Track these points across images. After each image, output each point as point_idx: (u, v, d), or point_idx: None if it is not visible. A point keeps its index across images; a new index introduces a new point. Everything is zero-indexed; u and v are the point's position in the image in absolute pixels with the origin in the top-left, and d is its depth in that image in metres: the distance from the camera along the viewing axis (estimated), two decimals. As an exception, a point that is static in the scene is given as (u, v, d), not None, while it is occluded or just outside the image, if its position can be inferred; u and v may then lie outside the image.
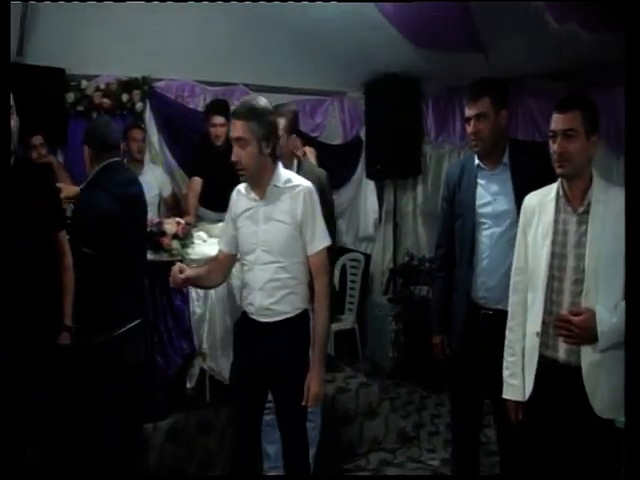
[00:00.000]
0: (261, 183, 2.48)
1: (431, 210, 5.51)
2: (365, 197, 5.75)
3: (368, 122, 5.61)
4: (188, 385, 3.58)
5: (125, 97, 4.77)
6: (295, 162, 3.21)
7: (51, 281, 2.57)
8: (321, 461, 3.35)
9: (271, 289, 2.48)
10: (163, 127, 4.95)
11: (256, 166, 2.44)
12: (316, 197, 2.53)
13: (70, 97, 4.53)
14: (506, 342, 2.34)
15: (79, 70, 4.55)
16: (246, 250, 2.53)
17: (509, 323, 2.34)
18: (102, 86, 4.69)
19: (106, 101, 4.67)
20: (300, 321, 2.53)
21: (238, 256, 2.64)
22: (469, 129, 2.70)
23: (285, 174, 2.54)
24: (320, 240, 2.50)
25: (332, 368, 4.10)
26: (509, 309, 2.35)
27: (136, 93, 4.81)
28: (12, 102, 2.47)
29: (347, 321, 4.90)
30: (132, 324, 2.92)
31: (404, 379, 4.77)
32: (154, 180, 4.63)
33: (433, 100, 5.60)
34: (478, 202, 2.75)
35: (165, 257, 3.47)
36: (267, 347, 2.50)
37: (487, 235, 2.73)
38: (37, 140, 4.11)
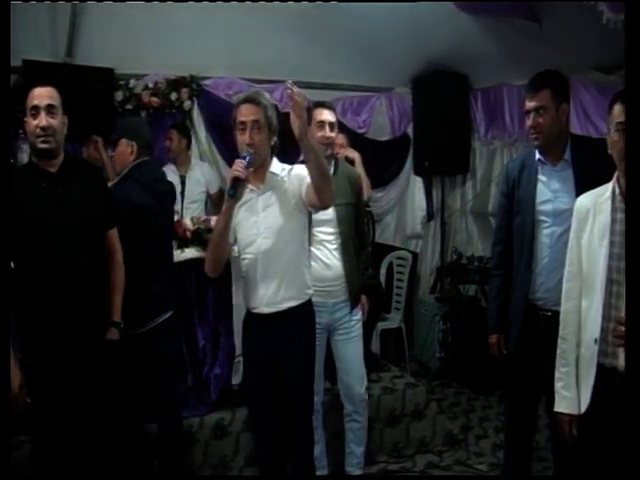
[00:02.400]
0: (262, 171, 2.53)
1: (480, 208, 5.41)
2: (413, 194, 5.69)
3: (416, 118, 5.53)
4: (234, 382, 3.61)
5: (174, 95, 4.82)
6: (332, 162, 3.19)
7: (103, 278, 2.62)
8: (366, 461, 3.35)
9: (275, 273, 2.51)
10: (211, 125, 4.98)
11: (266, 152, 2.52)
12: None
13: (119, 96, 4.60)
14: (559, 352, 2.22)
15: (128, 69, 4.62)
16: (247, 242, 2.55)
17: (562, 332, 2.22)
18: (150, 85, 4.75)
19: (154, 99, 4.73)
20: (305, 309, 2.59)
21: (235, 254, 2.64)
22: (528, 122, 2.65)
23: (280, 164, 2.60)
24: None
25: (378, 368, 4.07)
26: (561, 317, 2.24)
27: (184, 91, 4.86)
28: (59, 102, 2.52)
29: (394, 320, 4.85)
30: (165, 316, 2.95)
31: (451, 380, 4.69)
32: (201, 177, 4.70)
33: (482, 95, 5.47)
34: (538, 199, 2.68)
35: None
36: (275, 340, 2.53)
37: (547, 234, 2.65)
38: (98, 141, 4.22)
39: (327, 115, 3.13)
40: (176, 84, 4.85)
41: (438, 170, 5.49)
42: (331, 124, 3.13)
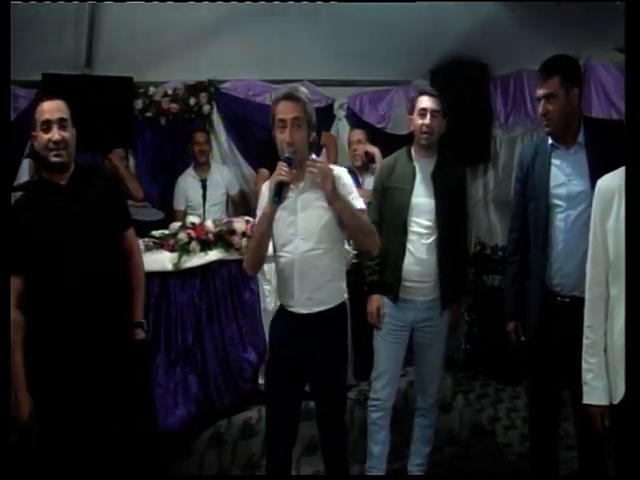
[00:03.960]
0: (300, 170, 2.43)
1: (503, 196, 5.32)
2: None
3: (436, 108, 5.48)
4: (260, 381, 3.65)
5: (192, 100, 4.89)
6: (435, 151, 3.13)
7: (122, 280, 2.63)
8: (394, 455, 3.37)
9: (312, 277, 2.46)
10: (231, 127, 5.04)
11: (305, 150, 2.46)
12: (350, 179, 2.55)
13: (138, 104, 4.69)
14: (587, 342, 2.15)
15: (146, 77, 4.70)
16: (283, 241, 2.50)
17: (588, 321, 2.15)
18: (169, 91, 4.83)
19: (174, 106, 4.81)
20: (339, 311, 2.55)
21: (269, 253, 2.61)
22: (539, 109, 2.66)
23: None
24: (357, 200, 2.50)
25: (404, 361, 4.07)
26: (587, 305, 2.17)
27: (203, 96, 4.92)
28: (69, 115, 2.51)
29: (419, 313, 4.82)
30: None
31: (478, 372, 4.67)
32: (221, 180, 4.76)
33: (502, 82, 5.40)
34: (552, 183, 2.67)
35: (235, 255, 3.54)
36: (308, 340, 2.48)
37: (562, 218, 2.64)
38: (119, 152, 4.31)
39: (427, 102, 3.05)
40: (194, 89, 4.92)
41: (459, 160, 5.42)
42: (434, 111, 3.03)
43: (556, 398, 2.75)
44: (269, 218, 2.40)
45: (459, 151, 5.19)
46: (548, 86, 2.59)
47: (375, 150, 4.37)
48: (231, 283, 3.57)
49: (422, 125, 3.03)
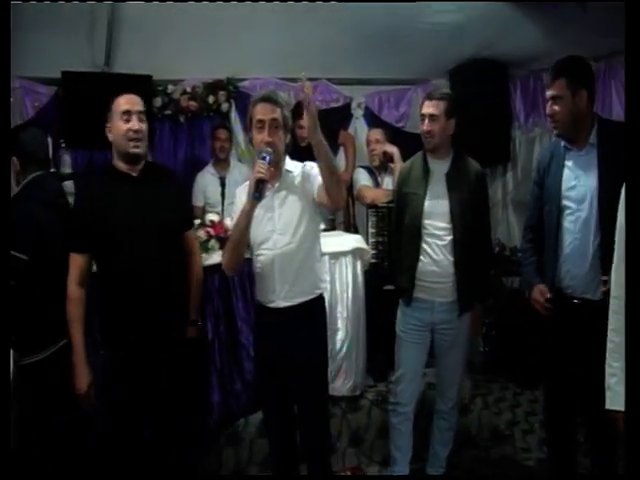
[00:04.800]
0: (277, 169, 2.54)
1: (522, 198, 5.28)
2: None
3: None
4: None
5: (211, 99, 4.90)
6: (451, 155, 3.12)
7: (182, 278, 2.71)
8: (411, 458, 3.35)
9: (291, 270, 2.53)
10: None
11: (282, 150, 2.55)
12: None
13: (157, 102, 4.70)
14: (610, 346, 2.07)
15: (165, 75, 4.70)
16: (262, 239, 2.57)
17: (613, 324, 2.07)
18: (188, 89, 4.84)
19: (192, 104, 4.81)
20: (318, 303, 2.63)
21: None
22: (547, 111, 2.70)
23: (293, 162, 2.64)
24: None
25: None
26: (611, 308, 2.08)
27: (222, 94, 4.93)
28: (143, 108, 2.62)
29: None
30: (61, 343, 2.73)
31: (497, 374, 4.63)
32: (239, 177, 4.73)
33: (521, 81, 5.36)
34: (565, 186, 2.67)
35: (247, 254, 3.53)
36: (289, 335, 2.54)
37: (572, 220, 2.64)
38: None
39: (426, 107, 3.05)
40: (213, 87, 4.93)
41: (478, 161, 5.38)
42: (431, 116, 3.01)
43: (573, 403, 2.72)
44: (249, 215, 2.46)
45: (478, 152, 5.19)
46: (554, 88, 2.63)
47: (394, 150, 4.35)
48: (250, 280, 3.56)
49: (422, 131, 3.06)
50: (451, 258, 2.99)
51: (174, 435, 2.68)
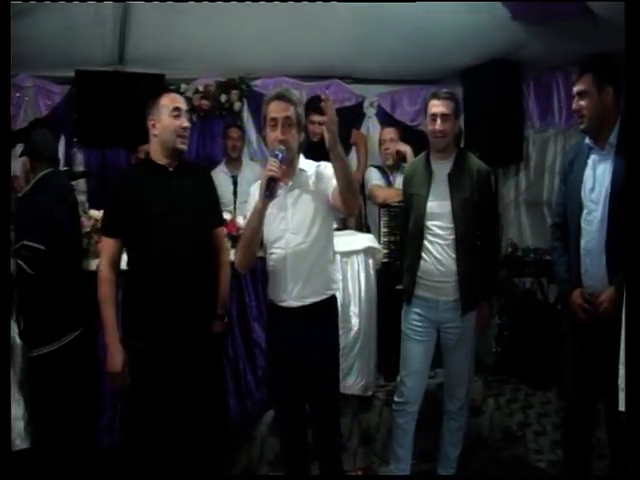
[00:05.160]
0: (290, 168, 2.53)
1: (535, 198, 5.27)
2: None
3: (467, 108, 5.41)
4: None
5: (223, 97, 4.92)
6: (453, 155, 3.13)
7: (211, 272, 2.75)
8: (422, 457, 3.34)
9: (303, 269, 2.52)
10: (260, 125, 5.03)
11: (295, 149, 2.54)
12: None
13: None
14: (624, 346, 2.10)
15: (178, 74, 4.71)
16: (275, 237, 2.56)
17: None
18: (201, 88, 4.85)
19: (205, 102, 4.82)
20: (330, 303, 2.62)
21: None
22: (573, 106, 2.72)
23: (307, 161, 2.63)
24: None
25: (433, 363, 4.03)
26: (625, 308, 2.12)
27: (234, 93, 4.94)
28: (186, 107, 2.71)
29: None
30: (73, 335, 2.91)
31: (508, 375, 4.61)
32: (252, 176, 4.73)
33: (534, 81, 5.33)
34: (586, 185, 2.68)
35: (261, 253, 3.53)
36: (301, 335, 2.53)
37: (589, 220, 2.65)
38: (147, 148, 4.30)
39: (438, 107, 3.05)
40: (226, 86, 4.94)
41: (491, 161, 5.35)
42: (443, 115, 3.03)
43: (590, 404, 2.72)
44: (261, 213, 2.45)
45: (491, 152, 5.18)
46: (581, 83, 2.66)
47: (407, 149, 4.34)
48: (263, 279, 3.56)
49: (434, 130, 3.04)
50: (454, 257, 3.00)
51: (197, 429, 2.71)
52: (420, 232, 3.03)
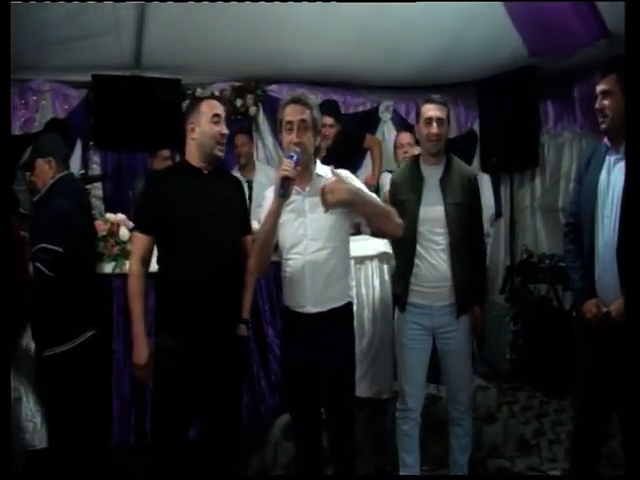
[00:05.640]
0: (307, 173, 2.53)
1: (550, 204, 5.24)
2: (480, 191, 5.54)
3: (482, 113, 5.42)
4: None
5: (239, 102, 4.94)
6: (443, 160, 3.11)
7: (238, 276, 2.75)
8: (436, 464, 3.31)
9: (322, 275, 2.53)
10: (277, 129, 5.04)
11: (311, 152, 2.53)
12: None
13: (186, 105, 4.71)
14: None
15: (194, 79, 4.74)
16: (293, 243, 2.56)
17: None
18: (216, 93, 4.85)
19: (220, 107, 4.82)
20: (347, 310, 2.62)
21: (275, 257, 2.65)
22: (596, 105, 2.71)
23: (325, 167, 2.59)
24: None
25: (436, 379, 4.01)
26: None
27: (249, 98, 4.96)
28: (221, 112, 2.69)
29: (462, 321, 4.74)
30: (87, 335, 2.94)
31: (523, 383, 4.58)
32: (266, 180, 4.74)
33: (550, 86, 5.30)
34: (600, 187, 2.66)
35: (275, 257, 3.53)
36: (318, 342, 2.53)
37: (605, 223, 2.62)
38: (165, 153, 4.35)
39: (434, 111, 3.04)
40: (241, 91, 4.96)
41: (506, 166, 5.37)
42: (439, 120, 3.02)
43: (602, 413, 2.70)
44: (275, 213, 2.45)
45: (506, 157, 5.17)
46: (605, 82, 2.65)
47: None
48: (276, 283, 3.56)
49: (429, 134, 3.02)
50: (448, 262, 3.00)
51: (219, 432, 2.71)
52: (413, 238, 3.01)
